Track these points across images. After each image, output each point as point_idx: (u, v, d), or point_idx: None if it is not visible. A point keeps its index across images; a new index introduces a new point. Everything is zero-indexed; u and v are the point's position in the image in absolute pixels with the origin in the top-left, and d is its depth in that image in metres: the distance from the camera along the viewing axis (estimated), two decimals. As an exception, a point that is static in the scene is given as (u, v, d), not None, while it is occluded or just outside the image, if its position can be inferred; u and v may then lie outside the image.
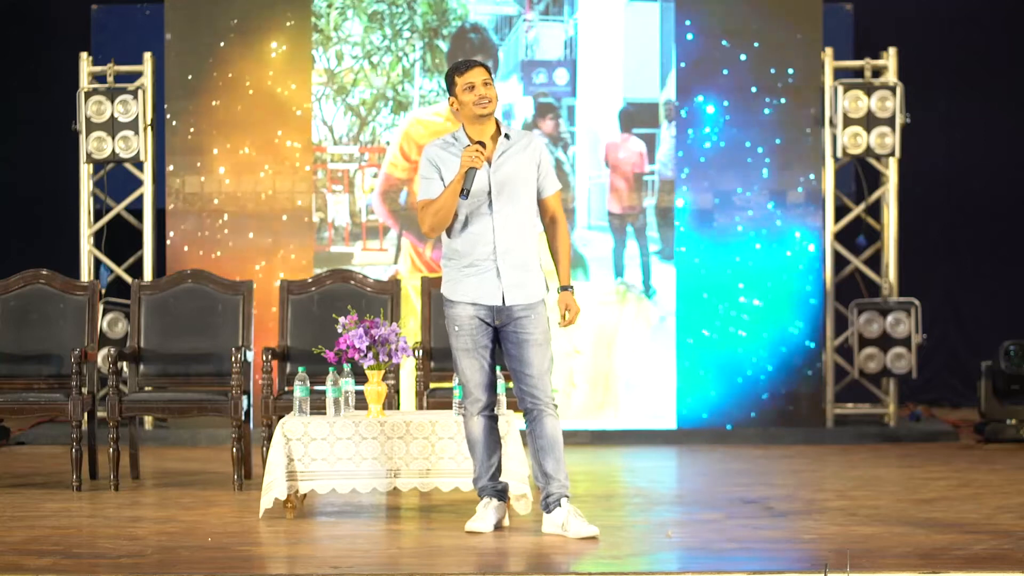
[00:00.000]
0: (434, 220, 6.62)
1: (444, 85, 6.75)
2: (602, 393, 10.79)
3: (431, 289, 8.68)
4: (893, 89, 10.73)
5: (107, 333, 10.85)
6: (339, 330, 7.20)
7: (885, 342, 10.84)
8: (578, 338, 10.74)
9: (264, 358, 8.21)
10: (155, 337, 8.68)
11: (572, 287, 6.72)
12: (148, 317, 8.71)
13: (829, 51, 10.82)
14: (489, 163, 6.63)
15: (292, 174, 10.84)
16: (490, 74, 6.66)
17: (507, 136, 6.69)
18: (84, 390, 8.26)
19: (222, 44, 10.82)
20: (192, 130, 10.82)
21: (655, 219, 10.81)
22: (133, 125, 10.72)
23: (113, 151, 10.74)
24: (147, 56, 10.87)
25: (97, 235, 11.05)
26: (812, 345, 10.80)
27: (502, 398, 6.98)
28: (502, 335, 6.70)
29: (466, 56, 10.58)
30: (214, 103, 10.82)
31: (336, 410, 7.22)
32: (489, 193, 6.63)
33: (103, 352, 9.72)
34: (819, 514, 7.23)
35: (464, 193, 6.51)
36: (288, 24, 10.83)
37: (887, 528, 6.78)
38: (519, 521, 6.97)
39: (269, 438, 7.96)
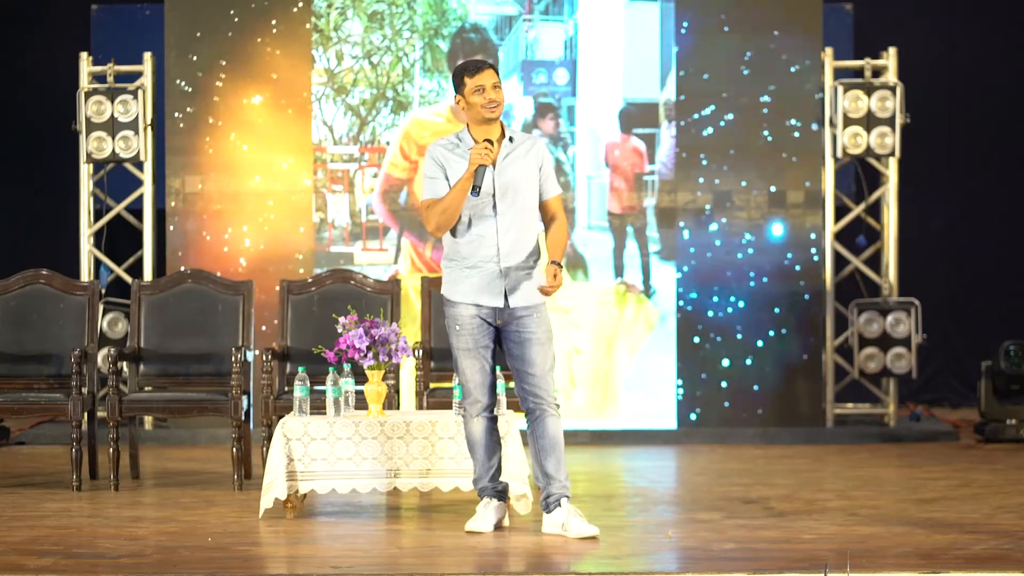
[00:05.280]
0: (440, 219, 6.62)
1: (451, 83, 6.74)
2: (602, 393, 10.79)
3: (431, 289, 8.68)
4: (893, 89, 10.73)
5: (107, 333, 10.85)
6: (339, 330, 7.20)
7: (885, 342, 10.84)
8: (578, 338, 10.74)
9: (264, 358, 8.21)
10: (155, 337, 8.68)
11: (561, 264, 6.65)
12: (148, 317, 8.71)
13: (829, 51, 10.82)
14: (494, 165, 6.64)
15: (292, 174, 10.84)
16: (499, 77, 6.67)
17: (511, 139, 6.70)
18: (84, 390, 8.26)
19: (222, 44, 10.82)
20: (192, 130, 10.82)
21: (655, 219, 10.81)
22: (133, 125, 10.72)
23: (113, 151, 10.74)
24: (147, 56, 10.87)
25: (97, 235, 11.05)
26: (812, 345, 10.80)
27: (502, 398, 6.98)
28: (504, 335, 6.70)
29: (466, 56, 10.58)
30: (214, 103, 10.81)
31: (336, 410, 7.23)
32: (493, 195, 6.63)
33: (103, 352, 9.72)
34: (819, 514, 7.23)
35: (475, 190, 6.51)
36: (288, 24, 10.83)
37: (887, 528, 6.78)
38: (519, 521, 6.97)
39: (269, 438, 7.96)
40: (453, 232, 6.68)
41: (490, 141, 6.57)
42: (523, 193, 6.66)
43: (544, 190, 6.74)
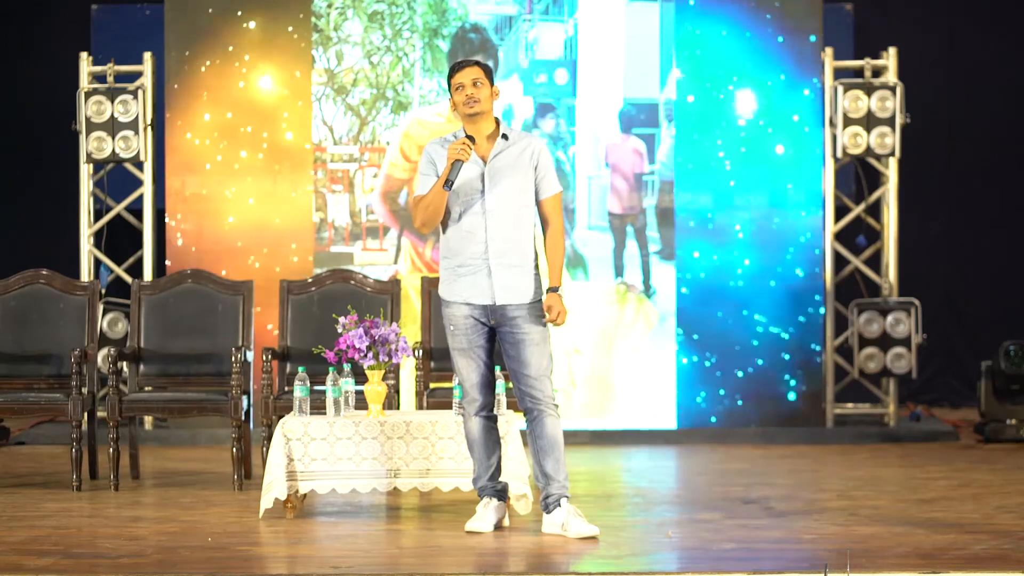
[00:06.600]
0: (424, 215, 6.65)
1: (445, 84, 6.77)
2: (602, 393, 10.78)
3: (431, 289, 8.68)
4: (893, 89, 10.73)
5: (107, 333, 10.85)
6: (339, 330, 7.20)
7: (885, 342, 10.84)
8: (578, 338, 10.74)
9: (264, 358, 8.21)
10: (155, 337, 8.68)
11: (559, 288, 6.67)
12: (148, 317, 8.71)
13: (829, 51, 10.82)
14: (484, 162, 6.64)
15: (292, 174, 10.83)
16: (486, 73, 6.64)
17: (505, 136, 6.69)
18: (84, 390, 8.26)
19: (221, 44, 10.82)
20: (192, 130, 10.82)
21: (655, 219, 10.81)
22: (133, 125, 10.71)
23: (113, 151, 10.74)
24: (147, 56, 10.87)
25: (97, 235, 11.05)
26: (812, 345, 10.80)
27: (502, 398, 6.98)
28: (499, 335, 6.70)
29: (466, 56, 10.58)
30: (214, 102, 10.81)
31: (336, 410, 7.23)
32: (482, 192, 6.63)
33: (103, 352, 9.72)
34: (819, 514, 7.23)
35: (448, 184, 6.52)
36: (288, 24, 10.83)
37: (887, 528, 6.78)
38: (519, 521, 6.97)
39: (269, 438, 7.96)
40: (444, 227, 6.70)
41: (471, 138, 6.58)
42: (514, 191, 6.65)
43: (540, 189, 6.72)
